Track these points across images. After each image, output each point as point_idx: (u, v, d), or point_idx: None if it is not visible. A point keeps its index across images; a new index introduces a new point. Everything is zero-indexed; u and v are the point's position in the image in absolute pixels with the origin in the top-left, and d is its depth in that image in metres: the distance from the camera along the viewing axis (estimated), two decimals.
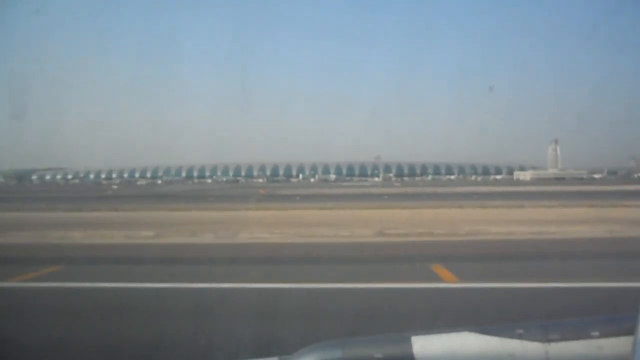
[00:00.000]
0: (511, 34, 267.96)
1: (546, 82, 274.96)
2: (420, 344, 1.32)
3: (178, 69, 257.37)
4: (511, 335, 1.30)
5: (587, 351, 1.28)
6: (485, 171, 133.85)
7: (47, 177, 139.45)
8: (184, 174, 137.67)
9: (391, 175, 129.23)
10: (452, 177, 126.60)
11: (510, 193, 37.00)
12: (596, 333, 1.29)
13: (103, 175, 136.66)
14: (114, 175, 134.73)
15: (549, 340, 1.28)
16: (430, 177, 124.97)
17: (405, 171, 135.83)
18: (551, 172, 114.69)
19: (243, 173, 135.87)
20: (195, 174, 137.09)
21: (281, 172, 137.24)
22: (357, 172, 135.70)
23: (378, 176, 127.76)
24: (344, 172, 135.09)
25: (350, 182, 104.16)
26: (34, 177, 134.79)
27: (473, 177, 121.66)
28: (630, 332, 1.25)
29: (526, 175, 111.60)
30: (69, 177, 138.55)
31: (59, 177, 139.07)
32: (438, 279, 7.08)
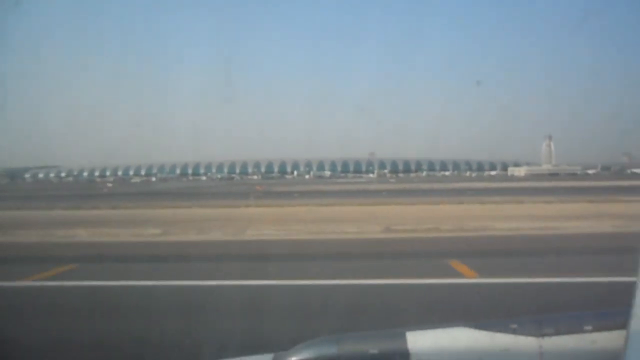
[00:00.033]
0: (503, 30, 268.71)
1: (539, 79, 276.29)
2: (415, 339, 1.32)
3: (171, 67, 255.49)
4: (505, 330, 1.31)
5: (580, 345, 1.29)
6: (480, 167, 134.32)
7: (40, 175, 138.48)
8: (178, 171, 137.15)
9: (386, 171, 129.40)
10: (447, 173, 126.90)
11: (508, 189, 37.16)
12: (589, 327, 1.30)
13: (97, 173, 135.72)
14: (107, 173, 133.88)
15: (543, 335, 1.29)
16: (424, 174, 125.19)
17: (400, 167, 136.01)
18: (545, 168, 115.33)
19: (237, 170, 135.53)
20: (189, 171, 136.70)
21: (275, 169, 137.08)
22: (351, 168, 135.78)
23: (372, 172, 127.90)
24: (339, 168, 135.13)
25: (345, 178, 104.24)
26: (27, 175, 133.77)
27: (467, 173, 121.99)
28: (623, 326, 1.26)
29: (520, 171, 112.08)
30: (63, 175, 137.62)
31: (52, 175, 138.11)
32: (458, 274, 7.11)
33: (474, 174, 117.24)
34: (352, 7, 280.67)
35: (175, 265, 9.00)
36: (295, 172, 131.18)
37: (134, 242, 12.26)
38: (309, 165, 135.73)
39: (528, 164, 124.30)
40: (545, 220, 14.13)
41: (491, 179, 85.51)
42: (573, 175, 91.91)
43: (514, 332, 1.30)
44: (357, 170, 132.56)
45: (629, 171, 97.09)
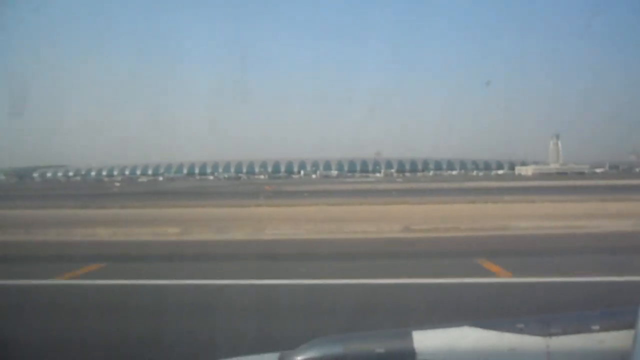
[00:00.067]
0: (510, 30, 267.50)
1: (546, 78, 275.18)
2: (421, 338, 1.31)
3: (178, 67, 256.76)
4: (512, 329, 1.30)
5: (588, 345, 1.27)
6: (487, 166, 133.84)
7: (49, 174, 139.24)
8: (185, 171, 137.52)
9: (392, 171, 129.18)
10: (454, 172, 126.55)
11: (518, 188, 37.03)
12: (597, 327, 1.28)
13: (104, 173, 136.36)
14: (115, 173, 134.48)
15: (550, 335, 1.28)
16: (431, 173, 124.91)
17: (407, 167, 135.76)
18: (553, 167, 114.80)
19: (244, 170, 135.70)
20: (196, 170, 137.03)
21: (282, 168, 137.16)
22: (358, 168, 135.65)
23: (379, 172, 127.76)
24: (346, 168, 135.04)
25: (352, 178, 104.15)
26: (35, 174, 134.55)
27: (475, 173, 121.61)
28: (631, 325, 1.25)
29: (528, 170, 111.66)
30: (70, 174, 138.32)
31: (60, 174, 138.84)
32: (491, 273, 7.08)
33: (481, 174, 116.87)
34: (358, 8, 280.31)
35: (201, 264, 9.04)
36: (302, 172, 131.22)
37: (155, 241, 12.31)
38: (315, 165, 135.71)
39: (535, 163, 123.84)
40: (565, 219, 14.01)
41: (499, 178, 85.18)
42: (581, 174, 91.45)
43: (521, 331, 1.29)
44: (364, 170, 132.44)
45: (637, 169, 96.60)
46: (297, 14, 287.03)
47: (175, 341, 4.48)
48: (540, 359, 1.27)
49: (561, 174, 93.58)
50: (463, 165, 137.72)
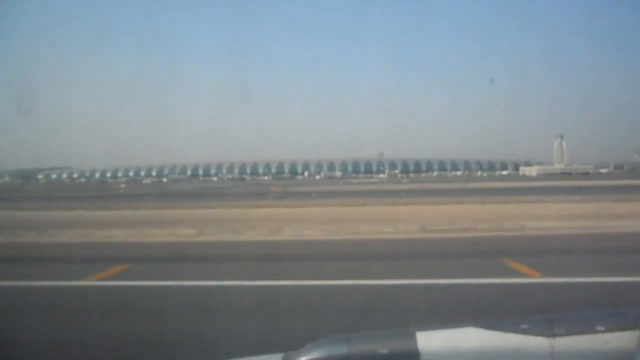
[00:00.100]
0: (514, 30, 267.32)
1: (549, 78, 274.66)
2: (425, 339, 1.31)
3: (179, 67, 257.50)
4: (516, 330, 1.29)
5: (592, 346, 1.26)
6: (491, 167, 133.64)
7: (53, 176, 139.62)
8: (189, 172, 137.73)
9: (396, 171, 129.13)
10: (458, 173, 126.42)
11: (525, 188, 37.02)
12: (602, 327, 1.27)
13: (108, 174, 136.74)
14: (119, 174, 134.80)
15: (554, 335, 1.27)
16: (435, 174, 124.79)
17: (411, 167, 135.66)
18: (557, 167, 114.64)
19: (248, 171, 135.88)
20: (200, 172, 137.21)
21: (286, 169, 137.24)
22: (362, 169, 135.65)
23: (383, 173, 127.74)
24: (349, 169, 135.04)
25: (356, 179, 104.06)
26: (39, 176, 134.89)
27: (479, 173, 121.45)
28: (636, 326, 1.25)
29: (532, 171, 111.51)
30: (75, 176, 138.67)
31: (64, 176, 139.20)
32: (520, 274, 7.05)
33: (485, 174, 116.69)
34: (358, 8, 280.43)
35: (225, 265, 9.00)
36: (306, 173, 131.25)
37: (173, 242, 12.31)
38: (319, 165, 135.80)
39: (539, 163, 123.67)
40: (580, 220, 13.99)
41: (504, 178, 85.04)
42: (585, 175, 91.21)
43: (525, 332, 1.29)
44: (368, 171, 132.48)
45: None
46: (297, 14, 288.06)
47: (215, 340, 4.50)
48: None
49: (565, 175, 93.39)
50: (467, 165, 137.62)
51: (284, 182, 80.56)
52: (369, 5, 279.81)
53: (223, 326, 4.99)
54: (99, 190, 55.64)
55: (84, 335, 4.71)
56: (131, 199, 32.91)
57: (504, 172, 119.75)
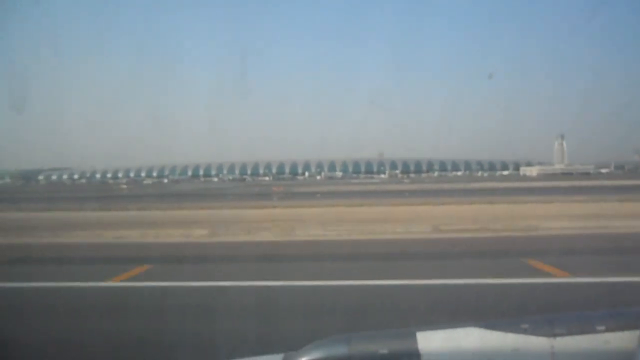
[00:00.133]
0: (511, 29, 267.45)
1: (550, 78, 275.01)
2: (426, 339, 1.31)
3: (179, 67, 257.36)
4: (516, 330, 1.30)
5: (593, 345, 1.26)
6: (492, 167, 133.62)
7: (54, 177, 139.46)
8: (189, 173, 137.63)
9: (397, 172, 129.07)
10: (459, 173, 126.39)
11: (529, 189, 37.02)
12: (602, 327, 1.27)
13: (109, 175, 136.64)
14: (119, 175, 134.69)
15: (555, 335, 1.27)
16: (436, 174, 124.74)
17: (411, 168, 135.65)
18: (558, 167, 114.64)
19: (249, 171, 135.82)
20: (201, 172, 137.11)
21: (287, 170, 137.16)
22: (362, 169, 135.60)
23: (384, 173, 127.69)
24: (350, 169, 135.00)
25: (357, 179, 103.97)
26: (40, 177, 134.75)
27: (479, 174, 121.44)
28: (637, 326, 1.25)
29: (533, 171, 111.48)
30: (75, 177, 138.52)
31: (65, 177, 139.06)
32: (548, 274, 7.03)
33: (485, 174, 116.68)
34: (358, 8, 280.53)
35: (246, 265, 8.97)
36: (307, 173, 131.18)
37: (187, 243, 12.30)
38: (320, 166, 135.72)
39: (540, 163, 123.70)
40: (594, 219, 13.97)
41: (505, 178, 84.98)
42: (586, 175, 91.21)
43: (525, 332, 1.29)
44: (369, 171, 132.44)
45: None
46: (297, 14, 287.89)
47: (244, 340, 4.51)
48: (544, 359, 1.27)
49: (566, 175, 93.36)
50: (467, 165, 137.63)
51: (285, 183, 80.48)
52: (369, 5, 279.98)
53: (262, 326, 4.99)
54: (101, 191, 55.61)
55: (129, 336, 4.72)
56: (135, 199, 32.85)
57: (505, 172, 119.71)
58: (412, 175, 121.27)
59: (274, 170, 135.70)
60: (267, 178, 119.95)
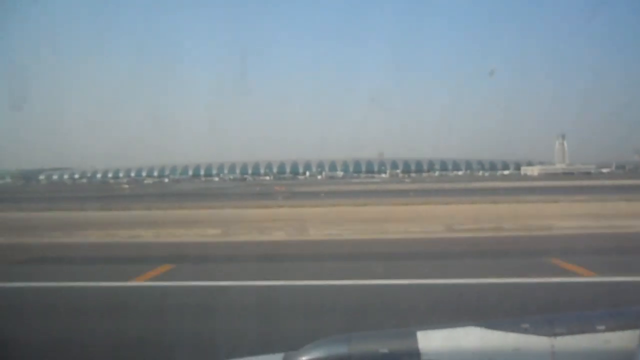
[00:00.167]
0: (511, 29, 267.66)
1: (551, 78, 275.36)
2: (426, 338, 1.31)
3: (182, 69, 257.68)
4: (517, 329, 1.29)
5: (593, 345, 1.26)
6: (492, 166, 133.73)
7: (54, 177, 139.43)
8: (190, 173, 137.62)
9: (398, 171, 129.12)
10: (460, 173, 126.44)
11: (532, 188, 36.98)
12: (602, 327, 1.27)
13: (110, 175, 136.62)
14: (120, 175, 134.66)
15: (555, 335, 1.27)
16: (437, 174, 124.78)
17: (412, 167, 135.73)
18: (559, 167, 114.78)
19: (250, 171, 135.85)
20: (201, 172, 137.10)
21: (288, 169, 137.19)
22: (363, 168, 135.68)
23: (385, 173, 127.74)
24: (351, 169, 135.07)
25: (357, 179, 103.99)
26: (41, 177, 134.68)
27: (480, 173, 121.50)
28: (637, 325, 1.25)
29: (534, 171, 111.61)
30: (76, 176, 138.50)
31: (65, 177, 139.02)
32: (573, 273, 7.00)
33: (486, 174, 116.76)
34: (358, 8, 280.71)
35: (265, 264, 8.92)
36: (308, 173, 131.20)
37: (203, 242, 12.28)
38: (321, 165, 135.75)
39: (541, 163, 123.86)
40: (606, 219, 13.95)
41: (506, 178, 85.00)
42: (587, 174, 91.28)
43: (526, 331, 1.29)
44: (369, 171, 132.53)
45: None
46: (297, 14, 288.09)
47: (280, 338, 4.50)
48: (545, 359, 1.26)
49: (568, 174, 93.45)
50: (468, 165, 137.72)
51: (286, 182, 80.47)
52: (369, 5, 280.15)
53: (293, 324, 4.98)
54: (102, 191, 55.55)
55: (170, 336, 4.70)
56: (138, 199, 32.78)
57: (506, 172, 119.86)
58: (412, 175, 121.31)
59: (274, 170, 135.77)
60: (268, 178, 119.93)
